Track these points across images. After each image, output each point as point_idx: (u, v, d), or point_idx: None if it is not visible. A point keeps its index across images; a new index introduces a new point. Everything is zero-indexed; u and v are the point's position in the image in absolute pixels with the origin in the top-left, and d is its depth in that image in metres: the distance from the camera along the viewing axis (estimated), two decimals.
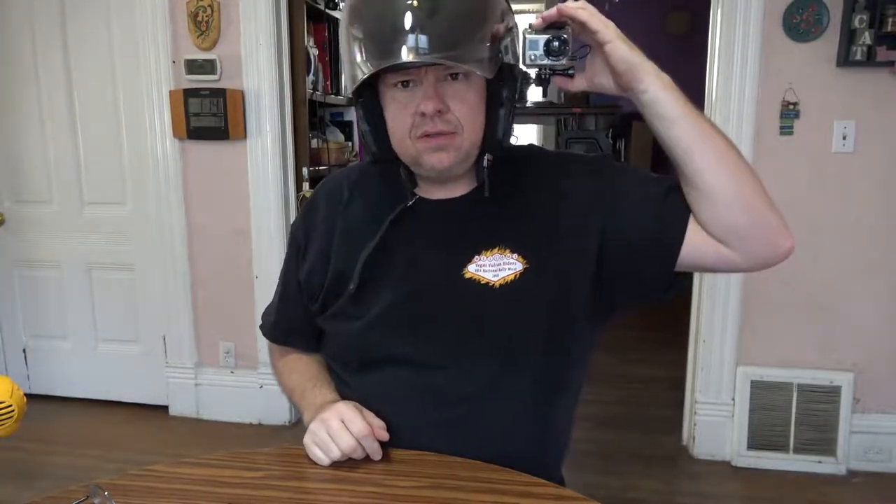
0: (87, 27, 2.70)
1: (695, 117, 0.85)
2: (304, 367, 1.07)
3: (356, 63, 0.85)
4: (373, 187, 1.02)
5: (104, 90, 2.73)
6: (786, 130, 2.26)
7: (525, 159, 1.00)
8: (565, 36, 0.85)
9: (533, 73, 0.89)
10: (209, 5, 2.52)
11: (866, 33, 2.12)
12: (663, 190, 0.91)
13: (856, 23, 2.12)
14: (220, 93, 2.52)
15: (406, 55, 0.80)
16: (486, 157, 0.92)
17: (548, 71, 0.87)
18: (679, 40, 5.09)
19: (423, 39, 0.80)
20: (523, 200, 0.96)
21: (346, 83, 0.90)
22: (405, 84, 0.87)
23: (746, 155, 2.25)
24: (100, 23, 2.68)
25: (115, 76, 2.71)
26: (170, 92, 2.57)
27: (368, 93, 0.90)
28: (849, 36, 2.14)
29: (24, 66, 2.77)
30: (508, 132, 0.92)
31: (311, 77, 2.83)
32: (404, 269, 0.95)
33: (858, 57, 2.14)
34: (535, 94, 5.62)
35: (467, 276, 0.92)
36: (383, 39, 0.82)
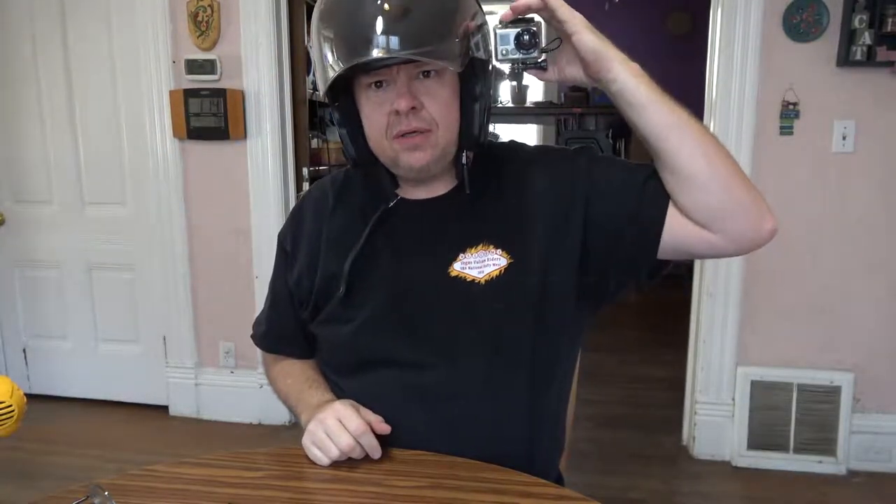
0: (87, 27, 2.70)
1: (666, 103, 0.85)
2: (298, 371, 1.06)
3: (327, 63, 0.85)
4: (357, 191, 1.02)
5: (104, 90, 2.73)
6: (786, 130, 2.26)
7: (505, 155, 1.00)
8: (535, 28, 0.85)
9: (506, 68, 0.89)
10: (209, 5, 2.52)
11: (866, 33, 2.12)
12: (642, 178, 0.91)
13: (856, 23, 2.12)
14: (220, 93, 2.52)
15: (375, 52, 0.81)
16: (465, 154, 0.93)
17: (520, 65, 0.87)
18: (679, 40, 5.09)
19: (392, 38, 0.80)
20: (504, 196, 0.96)
21: (319, 85, 0.90)
22: (378, 84, 0.87)
23: (746, 155, 2.28)
24: (100, 23, 2.68)
25: (115, 76, 2.71)
26: (170, 92, 2.57)
27: (344, 96, 0.91)
28: (849, 36, 2.14)
29: (24, 66, 2.77)
30: (485, 128, 0.91)
31: (311, 77, 2.83)
32: (391, 271, 0.95)
33: (858, 57, 2.14)
34: (534, 95, 5.62)
35: (453, 273, 0.92)
36: (353, 38, 0.83)
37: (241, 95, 2.55)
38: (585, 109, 5.34)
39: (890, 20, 2.09)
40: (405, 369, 0.93)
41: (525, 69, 0.88)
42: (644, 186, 0.90)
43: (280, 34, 2.56)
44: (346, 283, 0.95)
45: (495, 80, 0.92)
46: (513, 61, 0.87)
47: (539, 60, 0.87)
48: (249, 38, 2.52)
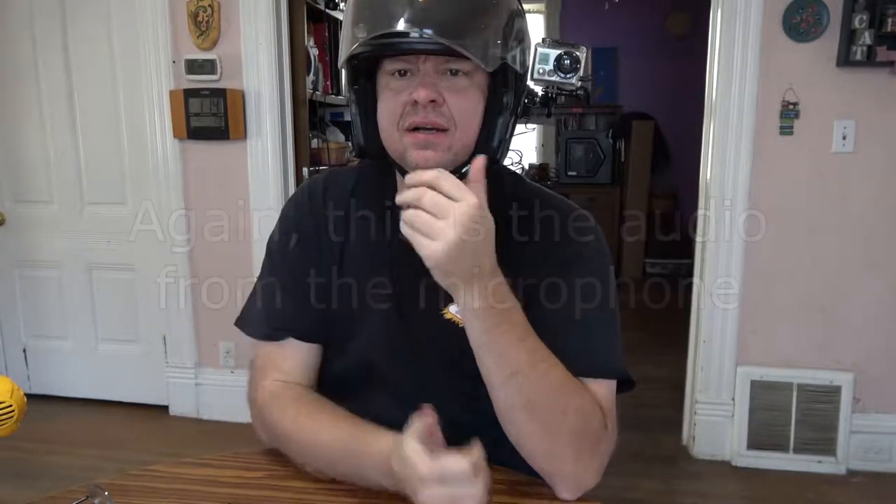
0: (87, 27, 2.70)
1: (502, 353, 0.76)
2: (329, 421, 0.86)
3: (352, 34, 0.79)
4: (368, 193, 0.95)
5: (104, 90, 2.73)
6: (786, 130, 2.26)
7: (531, 201, 0.92)
8: (577, 54, 0.81)
9: (540, 90, 0.85)
10: (209, 5, 2.52)
11: (866, 33, 2.12)
12: (571, 338, 0.83)
13: (856, 23, 2.12)
14: (221, 93, 2.52)
15: (402, 26, 0.74)
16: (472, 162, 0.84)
17: (555, 89, 0.83)
18: (679, 40, 5.09)
19: (426, 21, 0.74)
20: (518, 244, 0.88)
21: (340, 56, 0.83)
22: (402, 73, 0.81)
23: (746, 155, 2.27)
24: (100, 23, 2.68)
25: (115, 76, 2.71)
26: (170, 92, 2.57)
27: (365, 80, 0.86)
28: (849, 36, 2.14)
29: (25, 66, 2.77)
30: (505, 145, 0.84)
31: (311, 77, 2.83)
32: (387, 301, 0.90)
33: (858, 57, 2.14)
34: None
35: (447, 316, 0.88)
36: (384, 12, 0.76)
37: (242, 95, 2.55)
38: (586, 109, 5.34)
39: (890, 20, 2.09)
40: (394, 401, 0.90)
41: (559, 94, 0.83)
42: (566, 336, 0.83)
43: (280, 34, 2.56)
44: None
45: (527, 98, 0.83)
46: (548, 83, 0.82)
47: (576, 89, 0.83)
48: (249, 38, 2.52)
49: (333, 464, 0.83)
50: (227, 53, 2.55)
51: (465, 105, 0.81)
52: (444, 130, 0.80)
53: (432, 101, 0.78)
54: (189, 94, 2.54)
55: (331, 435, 0.84)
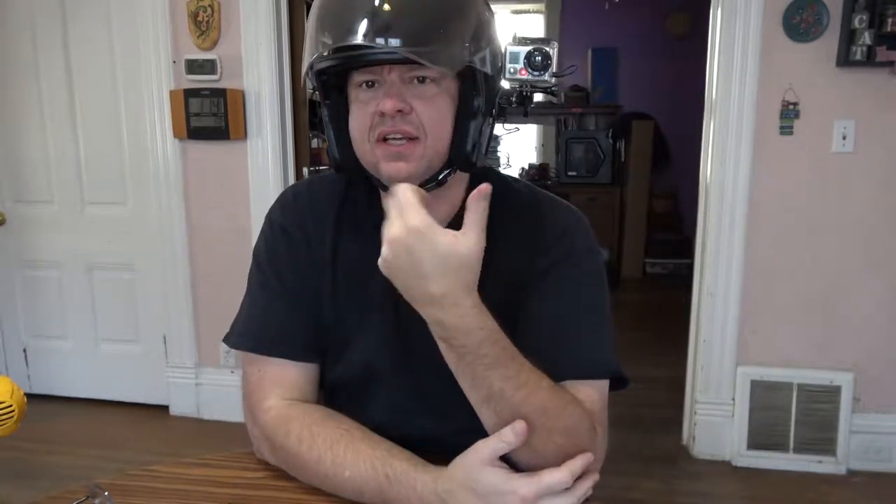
0: (87, 27, 2.70)
1: (478, 375, 0.72)
2: (352, 454, 0.80)
3: (318, 39, 0.78)
4: (357, 205, 0.93)
5: (105, 90, 2.73)
6: (786, 130, 2.26)
7: (523, 204, 0.91)
8: (548, 50, 0.81)
9: (514, 89, 0.84)
10: (209, 5, 2.52)
11: (866, 33, 2.12)
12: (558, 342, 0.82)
13: (856, 23, 2.12)
14: (221, 93, 2.52)
15: (359, 39, 0.73)
16: (448, 172, 0.82)
17: (528, 87, 0.82)
18: (679, 40, 5.09)
19: (383, 31, 0.73)
20: (502, 251, 0.85)
21: (303, 69, 0.82)
22: (370, 85, 0.81)
23: (747, 155, 2.27)
24: (100, 23, 2.68)
25: (115, 76, 2.71)
26: (170, 92, 2.57)
27: (336, 95, 0.86)
28: (849, 36, 2.14)
29: (25, 66, 2.77)
30: (479, 149, 0.83)
31: None
32: (383, 306, 0.89)
33: (858, 57, 2.14)
34: (535, 95, 5.61)
35: None
36: (341, 26, 0.75)
37: (242, 95, 2.55)
38: (585, 109, 5.34)
39: (890, 20, 2.09)
40: (390, 413, 0.90)
41: (533, 92, 0.83)
42: (544, 345, 0.80)
43: (280, 34, 2.56)
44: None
45: (501, 100, 0.82)
46: (520, 82, 0.82)
47: (550, 86, 0.82)
48: (249, 38, 2.52)
49: (360, 497, 0.79)
50: (227, 53, 2.55)
51: (433, 113, 0.80)
52: (414, 139, 0.80)
53: (399, 111, 0.78)
54: (189, 93, 2.54)
55: (356, 470, 0.79)
